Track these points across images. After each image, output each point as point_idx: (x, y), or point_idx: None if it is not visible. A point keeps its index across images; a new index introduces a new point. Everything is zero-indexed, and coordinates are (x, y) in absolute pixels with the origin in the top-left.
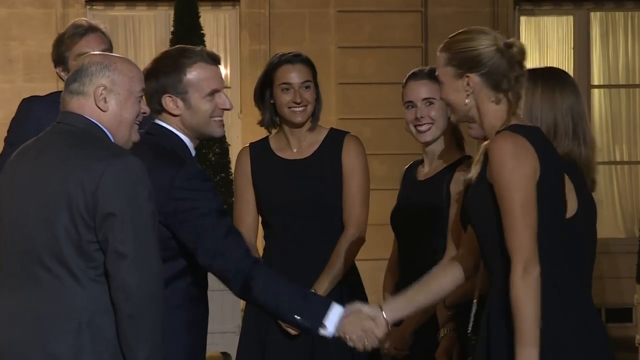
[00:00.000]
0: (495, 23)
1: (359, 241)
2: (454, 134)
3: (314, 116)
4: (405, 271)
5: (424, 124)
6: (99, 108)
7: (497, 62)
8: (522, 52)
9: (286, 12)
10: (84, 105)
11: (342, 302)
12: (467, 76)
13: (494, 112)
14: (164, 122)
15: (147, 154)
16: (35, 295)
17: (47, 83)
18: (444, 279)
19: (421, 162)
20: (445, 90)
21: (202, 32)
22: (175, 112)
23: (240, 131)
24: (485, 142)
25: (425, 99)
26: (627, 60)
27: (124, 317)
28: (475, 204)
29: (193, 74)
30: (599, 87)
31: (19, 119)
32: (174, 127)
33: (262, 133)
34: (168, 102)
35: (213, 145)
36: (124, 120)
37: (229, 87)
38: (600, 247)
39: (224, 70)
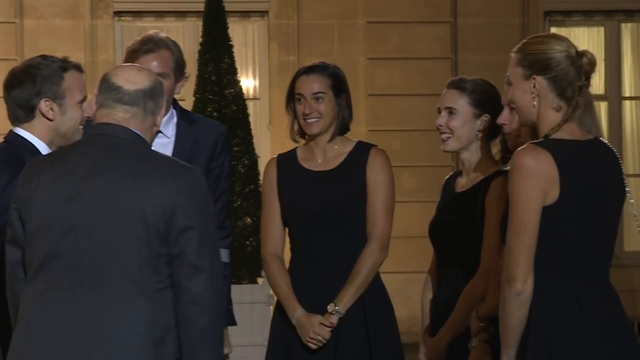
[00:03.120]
0: (526, 34)
1: (382, 254)
2: (488, 146)
3: (337, 128)
4: (442, 284)
5: (442, 132)
6: (155, 125)
7: (566, 69)
8: (591, 64)
9: (315, 23)
10: (150, 124)
11: (365, 316)
12: (534, 78)
13: (552, 119)
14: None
15: None
16: (96, 310)
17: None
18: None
19: (460, 173)
20: (513, 91)
21: (230, 43)
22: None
23: (270, 142)
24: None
25: (447, 107)
26: None
27: (197, 331)
28: (506, 213)
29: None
30: (630, 98)
31: None
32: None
33: (290, 144)
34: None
35: (242, 157)
36: (155, 130)
37: (258, 99)
38: (632, 260)
39: (253, 81)
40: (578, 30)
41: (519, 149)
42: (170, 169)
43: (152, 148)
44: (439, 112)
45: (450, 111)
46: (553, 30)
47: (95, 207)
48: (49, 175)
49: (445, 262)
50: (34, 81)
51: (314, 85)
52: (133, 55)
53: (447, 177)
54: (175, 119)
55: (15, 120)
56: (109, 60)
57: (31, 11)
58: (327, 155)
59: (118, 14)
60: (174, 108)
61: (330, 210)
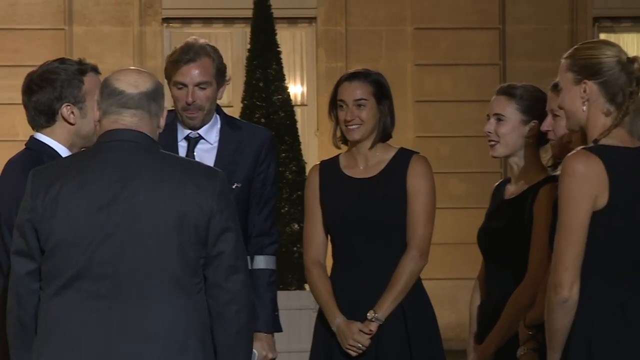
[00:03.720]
0: (574, 40)
1: (421, 261)
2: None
3: (379, 135)
4: (490, 291)
5: (490, 139)
6: (159, 127)
7: (617, 74)
8: None
9: (363, 30)
10: (155, 127)
11: (405, 323)
12: (585, 82)
13: (601, 124)
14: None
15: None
16: (144, 316)
17: None
18: None
19: (510, 180)
20: (563, 96)
21: (278, 49)
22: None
23: (317, 149)
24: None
25: (495, 114)
26: None
27: (234, 331)
28: (555, 220)
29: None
30: None
31: None
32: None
33: (338, 151)
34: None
35: (290, 164)
36: (159, 132)
37: (306, 105)
38: None
39: (301, 87)
40: (627, 36)
41: (570, 153)
42: (200, 172)
43: (195, 154)
44: (488, 118)
45: (499, 118)
46: (602, 36)
47: (132, 213)
48: (74, 183)
49: (494, 269)
50: (54, 86)
51: (355, 92)
52: (174, 65)
53: (497, 184)
54: (218, 125)
55: (36, 125)
56: (158, 67)
57: (80, 18)
58: (369, 162)
59: (166, 20)
60: (218, 114)
61: (370, 218)
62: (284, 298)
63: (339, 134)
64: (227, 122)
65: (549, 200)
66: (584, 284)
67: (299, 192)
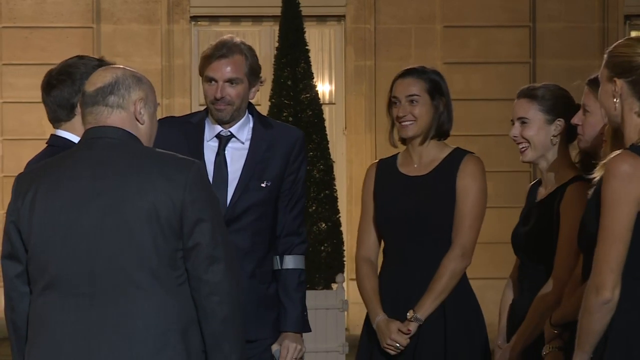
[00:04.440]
0: (605, 38)
1: (464, 261)
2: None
3: (433, 132)
4: (521, 292)
5: (518, 143)
6: (138, 121)
7: None
8: None
9: (392, 28)
10: (125, 119)
11: (445, 323)
12: (615, 80)
13: (636, 124)
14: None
15: None
16: (122, 312)
17: None
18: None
19: (541, 182)
20: (600, 93)
21: (307, 47)
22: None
23: (345, 147)
24: (606, 160)
25: (519, 117)
26: None
27: (218, 322)
28: (588, 220)
29: None
30: None
31: None
32: None
33: (366, 150)
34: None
35: (317, 162)
36: (153, 134)
37: (334, 104)
38: None
39: (329, 86)
40: None
41: (615, 155)
42: (173, 163)
43: (226, 153)
44: (512, 123)
45: (523, 121)
46: (633, 34)
47: (105, 209)
48: (48, 183)
49: (525, 270)
50: (73, 79)
51: (408, 88)
52: (206, 60)
53: (531, 184)
54: (251, 124)
55: (56, 120)
56: (186, 65)
57: (108, 16)
58: (423, 161)
59: (194, 18)
60: (250, 113)
61: (418, 216)
62: (311, 297)
63: (395, 132)
64: (260, 121)
65: (576, 200)
66: (623, 285)
67: (327, 191)
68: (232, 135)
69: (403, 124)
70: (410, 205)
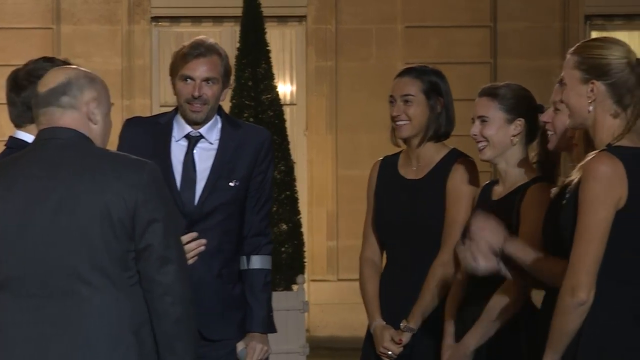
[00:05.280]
0: (566, 38)
1: (455, 265)
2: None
3: (430, 133)
4: (470, 291)
5: (478, 141)
6: (91, 121)
7: (626, 76)
8: None
9: (352, 28)
10: (77, 120)
11: (437, 330)
12: (593, 83)
13: (610, 126)
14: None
15: None
16: (75, 311)
17: (113, 99)
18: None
19: (497, 181)
20: (568, 93)
21: (267, 48)
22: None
23: (306, 148)
24: (583, 162)
25: (479, 116)
26: None
27: (170, 323)
28: (565, 221)
29: None
30: None
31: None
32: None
33: (327, 150)
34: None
35: (278, 163)
36: (107, 134)
37: (295, 104)
38: None
39: (290, 86)
40: (619, 34)
41: (593, 156)
42: (125, 163)
43: (195, 153)
44: (473, 121)
45: (483, 119)
46: (594, 34)
47: (58, 210)
48: (2, 183)
49: None
50: None
51: (404, 87)
52: (183, 59)
53: (484, 185)
54: (219, 125)
55: (20, 122)
56: (146, 66)
57: (68, 17)
58: (420, 162)
59: (155, 19)
60: (219, 114)
61: (411, 220)
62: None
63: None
64: (228, 121)
65: (537, 201)
66: (597, 287)
67: (288, 192)
68: (201, 136)
69: (397, 123)
70: (406, 209)
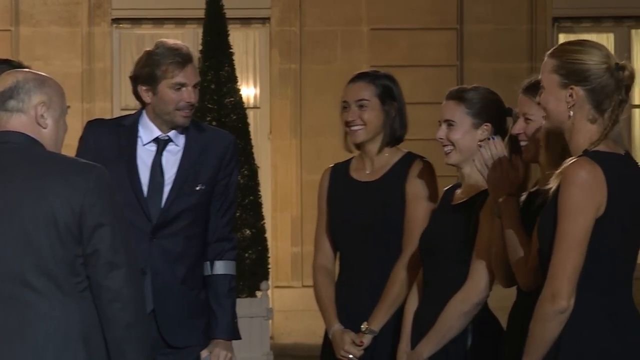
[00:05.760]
0: (533, 40)
1: (416, 267)
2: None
3: (386, 138)
4: (425, 297)
5: (444, 145)
6: (40, 125)
7: (605, 81)
8: (631, 77)
9: (317, 30)
10: (25, 123)
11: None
12: (572, 88)
13: (587, 131)
14: None
15: None
16: (22, 317)
17: (72, 103)
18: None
19: (459, 185)
20: (546, 97)
21: (231, 50)
22: None
23: (270, 152)
24: (562, 167)
25: (446, 120)
26: None
27: (121, 328)
28: (545, 228)
29: None
30: (638, 107)
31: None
32: None
33: (292, 155)
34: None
35: (242, 168)
36: (59, 138)
37: (258, 108)
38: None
39: (253, 89)
40: (587, 36)
41: (572, 162)
42: (72, 167)
43: (163, 157)
44: (439, 124)
45: (450, 123)
46: (562, 37)
47: (4, 214)
48: None
49: (431, 275)
50: None
51: (358, 92)
52: (175, 66)
53: (446, 188)
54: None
55: None
56: (107, 68)
57: (27, 18)
58: (375, 166)
59: (116, 20)
60: None
61: (368, 223)
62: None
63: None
64: (194, 125)
65: None
66: (577, 294)
67: (251, 197)
68: (170, 140)
69: (352, 128)
70: (361, 212)
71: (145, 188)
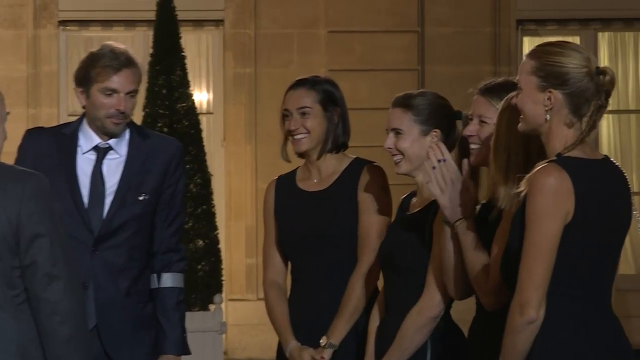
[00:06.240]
0: (497, 43)
1: (373, 277)
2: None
3: (329, 145)
4: (387, 311)
5: (392, 155)
6: None
7: (585, 85)
8: (612, 82)
9: (273, 33)
10: None
11: (361, 345)
12: (550, 91)
13: (563, 135)
14: None
15: None
16: None
17: (17, 108)
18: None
19: (415, 193)
20: (523, 99)
21: (183, 54)
22: None
23: (224, 160)
24: (530, 173)
25: (393, 128)
26: (638, 83)
27: (61, 342)
28: (514, 234)
29: None
30: (607, 112)
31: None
32: None
33: (246, 162)
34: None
35: (194, 176)
36: None
37: (212, 113)
38: (627, 284)
39: (207, 94)
40: (552, 39)
41: (540, 168)
42: (8, 175)
43: (103, 165)
44: (387, 133)
45: (397, 132)
46: (526, 40)
47: None
48: None
49: (392, 288)
50: None
51: (299, 100)
52: (105, 70)
53: (403, 197)
54: (127, 136)
55: None
56: (53, 72)
57: None
58: (322, 175)
59: (63, 23)
60: (127, 124)
61: (320, 233)
62: (187, 319)
63: (289, 146)
64: (137, 131)
65: None
66: (549, 303)
67: (204, 207)
68: (110, 148)
69: (296, 137)
70: (311, 222)
71: (85, 199)
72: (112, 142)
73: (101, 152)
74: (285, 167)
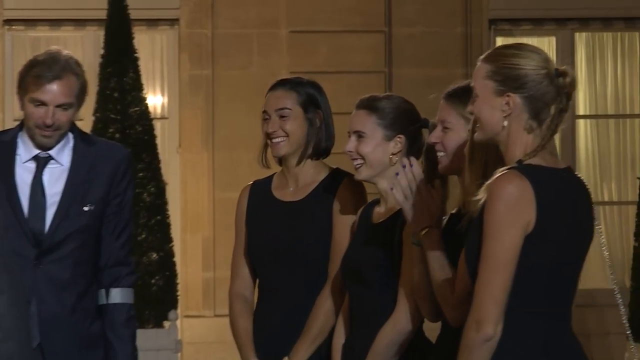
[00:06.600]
0: (468, 44)
1: (343, 296)
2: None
3: (309, 150)
4: (355, 325)
5: (353, 159)
6: None
7: (544, 88)
8: (573, 84)
9: (231, 33)
10: None
11: None
12: (508, 95)
13: (523, 141)
14: None
15: None
16: None
17: None
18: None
19: (378, 202)
20: (479, 105)
21: (136, 55)
22: None
23: (179, 167)
24: (489, 180)
25: (355, 131)
26: (616, 86)
27: None
28: (471, 246)
29: None
30: (584, 117)
31: None
32: None
33: (203, 169)
34: None
35: (148, 184)
36: None
37: (166, 118)
38: (585, 299)
39: (161, 98)
40: (527, 40)
41: (499, 175)
42: None
43: (44, 175)
44: (349, 135)
45: (359, 134)
46: (499, 40)
47: None
48: None
49: (358, 300)
50: None
51: (279, 101)
52: (36, 80)
53: (364, 206)
54: (71, 144)
55: None
56: None
57: None
58: (299, 184)
59: (8, 22)
60: (71, 132)
61: (292, 247)
62: (140, 337)
63: (269, 151)
64: (82, 139)
65: None
66: (508, 320)
67: (158, 217)
68: (50, 157)
69: (274, 140)
70: (283, 235)
71: (26, 210)
72: (52, 151)
73: (41, 162)
74: (245, 175)
